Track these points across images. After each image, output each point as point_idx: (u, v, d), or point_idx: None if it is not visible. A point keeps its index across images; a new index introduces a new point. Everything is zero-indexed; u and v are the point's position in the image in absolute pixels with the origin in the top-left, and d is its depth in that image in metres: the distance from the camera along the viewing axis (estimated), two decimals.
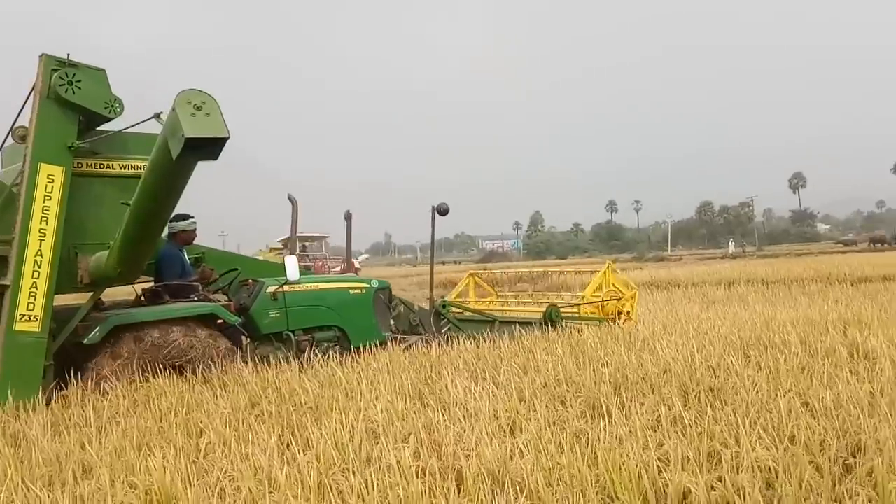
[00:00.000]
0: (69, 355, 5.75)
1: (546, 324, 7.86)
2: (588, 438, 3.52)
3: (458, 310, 8.62)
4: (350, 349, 6.74)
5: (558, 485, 3.01)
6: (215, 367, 5.80)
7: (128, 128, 5.96)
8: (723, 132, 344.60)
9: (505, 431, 3.82)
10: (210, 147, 4.75)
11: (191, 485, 3.17)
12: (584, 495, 2.88)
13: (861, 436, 3.38)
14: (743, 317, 8.38)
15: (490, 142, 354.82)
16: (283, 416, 4.38)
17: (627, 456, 3.16)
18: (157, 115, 5.62)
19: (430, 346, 6.70)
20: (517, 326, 7.83)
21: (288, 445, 3.77)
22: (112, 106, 5.69)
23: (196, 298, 6.44)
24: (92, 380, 5.49)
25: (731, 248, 67.55)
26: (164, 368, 5.66)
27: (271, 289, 6.73)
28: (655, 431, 3.65)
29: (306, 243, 29.93)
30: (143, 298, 6.57)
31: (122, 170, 6.11)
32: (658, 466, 3.10)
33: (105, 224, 5.90)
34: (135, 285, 6.57)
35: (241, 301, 6.68)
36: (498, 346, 6.58)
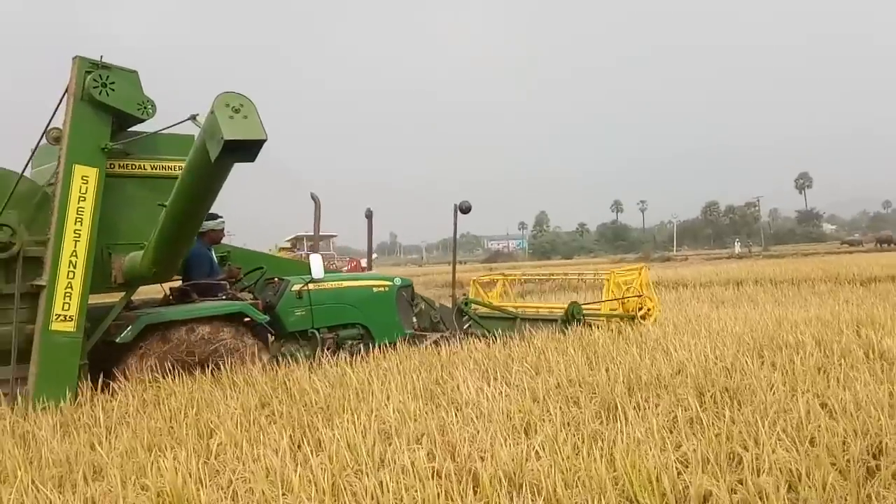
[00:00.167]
0: (99, 354, 5.77)
1: (568, 320, 7.79)
2: (604, 440, 3.47)
3: (478, 306, 8.56)
4: (373, 347, 6.74)
5: (576, 487, 2.95)
6: (243, 365, 5.84)
7: (164, 129, 5.95)
8: (728, 132, 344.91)
9: (519, 432, 3.77)
10: (247, 149, 4.78)
11: (203, 487, 3.13)
12: (604, 497, 2.82)
13: (883, 437, 3.32)
14: (754, 317, 8.30)
15: (492, 142, 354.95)
16: (293, 417, 4.34)
17: (645, 457, 3.11)
18: (194, 117, 5.61)
19: (449, 342, 6.77)
20: (540, 323, 7.78)
21: (299, 446, 3.73)
22: (144, 107, 5.69)
23: (224, 297, 6.48)
24: (124, 378, 5.51)
25: (737, 249, 67.25)
26: (194, 367, 5.70)
27: (296, 287, 6.77)
28: (672, 433, 3.60)
29: (312, 242, 29.88)
30: (171, 297, 6.60)
31: (154, 170, 6.13)
32: (677, 468, 3.04)
33: (137, 224, 5.94)
34: (162, 284, 6.58)
35: (267, 299, 6.71)
36: (509, 345, 6.54)
